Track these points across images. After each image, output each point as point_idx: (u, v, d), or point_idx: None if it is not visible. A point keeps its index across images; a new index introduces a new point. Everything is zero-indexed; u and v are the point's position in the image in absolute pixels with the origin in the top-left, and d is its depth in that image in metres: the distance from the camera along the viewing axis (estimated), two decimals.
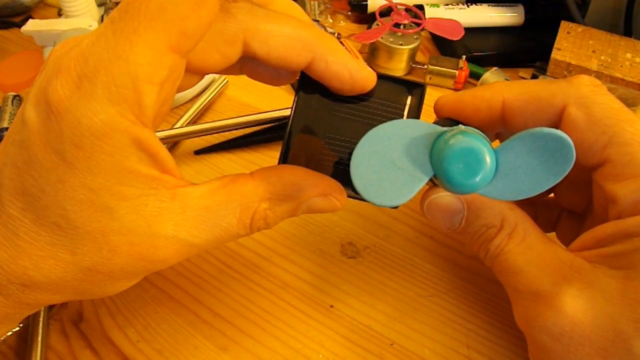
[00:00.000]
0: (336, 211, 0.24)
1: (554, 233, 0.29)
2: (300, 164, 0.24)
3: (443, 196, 0.23)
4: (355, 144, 0.21)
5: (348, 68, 0.23)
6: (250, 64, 0.25)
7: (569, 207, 0.28)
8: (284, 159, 0.25)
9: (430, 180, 0.21)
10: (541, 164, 0.20)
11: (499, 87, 0.24)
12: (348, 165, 0.21)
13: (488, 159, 0.19)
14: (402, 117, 0.25)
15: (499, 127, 0.25)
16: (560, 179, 0.20)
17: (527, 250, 0.22)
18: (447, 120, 0.26)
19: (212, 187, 0.22)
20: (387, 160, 0.21)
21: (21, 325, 0.29)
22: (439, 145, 0.20)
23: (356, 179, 0.21)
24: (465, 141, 0.20)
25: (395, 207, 0.24)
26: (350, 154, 0.21)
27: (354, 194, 0.24)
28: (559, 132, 0.19)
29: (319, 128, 0.25)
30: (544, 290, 0.21)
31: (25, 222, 0.19)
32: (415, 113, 0.24)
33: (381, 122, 0.21)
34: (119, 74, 0.18)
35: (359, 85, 0.23)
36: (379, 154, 0.21)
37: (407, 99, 0.25)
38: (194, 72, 0.22)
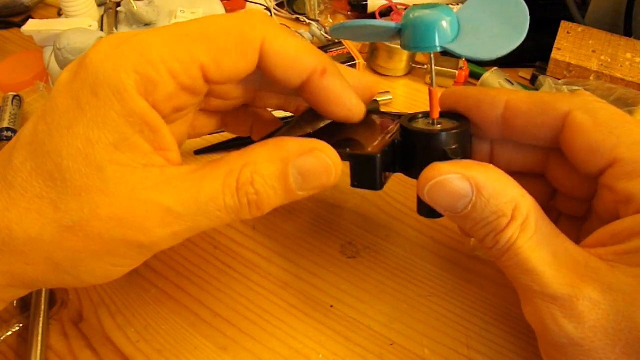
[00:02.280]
0: (332, 178, 0.23)
1: None
2: None
3: (451, 178, 0.22)
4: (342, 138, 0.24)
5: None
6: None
7: (567, 213, 0.28)
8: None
9: (399, 34, 0.23)
10: (500, 20, 0.21)
11: (506, 90, 0.25)
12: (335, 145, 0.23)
13: (444, 6, 0.22)
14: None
15: (498, 128, 0.25)
16: (524, 34, 0.21)
17: (540, 245, 0.21)
18: (451, 112, 0.26)
19: (201, 163, 0.22)
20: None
21: (21, 325, 0.29)
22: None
23: (335, 33, 0.26)
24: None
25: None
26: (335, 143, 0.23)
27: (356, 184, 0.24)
28: None
29: (306, 129, 0.26)
30: (562, 294, 0.20)
31: (24, 173, 0.20)
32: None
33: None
34: (154, 53, 0.20)
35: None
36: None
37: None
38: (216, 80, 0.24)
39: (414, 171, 0.24)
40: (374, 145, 0.23)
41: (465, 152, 0.24)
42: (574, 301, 0.20)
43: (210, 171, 0.22)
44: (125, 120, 0.20)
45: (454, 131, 0.23)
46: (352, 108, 0.25)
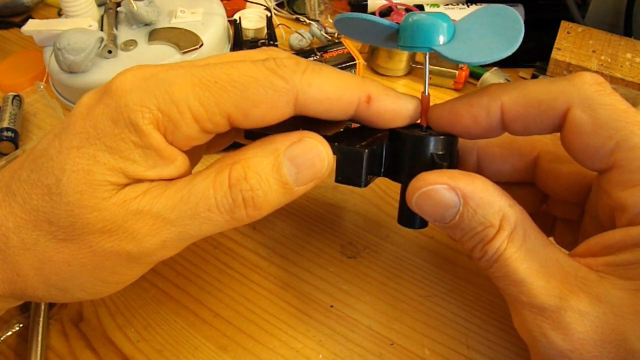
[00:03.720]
0: (325, 164, 0.22)
1: (551, 238, 0.29)
2: None
3: (438, 189, 0.21)
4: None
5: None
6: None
7: (562, 217, 0.28)
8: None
9: (396, 35, 0.23)
10: (493, 30, 0.22)
11: (496, 91, 0.23)
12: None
13: (440, 13, 0.23)
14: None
15: (501, 132, 0.24)
16: (516, 45, 0.21)
17: (528, 255, 0.21)
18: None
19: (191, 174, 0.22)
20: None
21: (21, 325, 0.29)
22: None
23: (338, 27, 0.26)
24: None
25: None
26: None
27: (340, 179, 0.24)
28: (510, 8, 0.22)
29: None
30: (550, 305, 0.20)
31: (27, 184, 0.21)
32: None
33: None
34: (180, 95, 0.20)
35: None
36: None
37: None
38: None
39: (400, 175, 0.24)
40: (362, 144, 0.23)
41: (452, 160, 0.24)
42: (561, 312, 0.20)
43: (199, 173, 0.22)
44: (142, 151, 0.20)
45: (442, 137, 0.24)
46: (411, 115, 0.24)
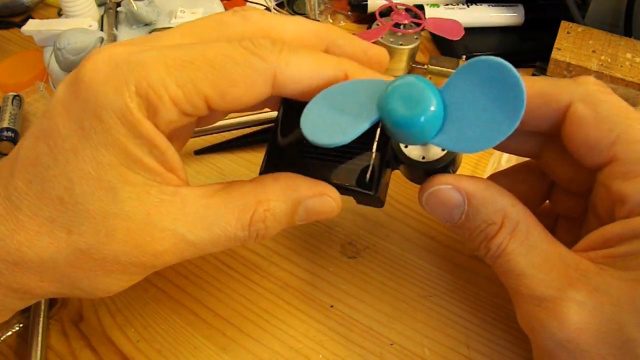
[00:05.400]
0: (333, 215, 0.24)
1: None
2: (282, 170, 0.24)
3: (443, 189, 0.23)
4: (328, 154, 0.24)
5: (361, 47, 0.25)
6: None
7: (565, 214, 0.28)
8: (266, 166, 0.25)
9: (381, 127, 0.22)
10: (490, 101, 0.19)
11: None
12: (329, 169, 0.23)
13: (429, 92, 0.19)
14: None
15: None
16: (517, 121, 0.18)
17: (530, 250, 0.22)
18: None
19: (212, 188, 0.22)
20: (337, 109, 0.21)
21: (21, 325, 0.29)
22: (385, 89, 0.20)
23: (305, 124, 0.21)
24: (407, 79, 0.20)
25: (365, 192, 0.24)
26: (327, 161, 0.24)
27: (341, 192, 0.24)
28: (497, 59, 0.18)
29: (299, 142, 0.25)
30: (548, 295, 0.21)
31: (30, 195, 0.20)
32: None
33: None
34: (156, 78, 0.19)
35: (376, 62, 0.25)
36: (330, 104, 0.22)
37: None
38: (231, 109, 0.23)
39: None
40: (373, 157, 0.24)
41: (455, 168, 0.25)
42: (558, 302, 0.20)
43: (223, 203, 0.22)
44: (134, 143, 0.20)
45: (443, 164, 0.23)
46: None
